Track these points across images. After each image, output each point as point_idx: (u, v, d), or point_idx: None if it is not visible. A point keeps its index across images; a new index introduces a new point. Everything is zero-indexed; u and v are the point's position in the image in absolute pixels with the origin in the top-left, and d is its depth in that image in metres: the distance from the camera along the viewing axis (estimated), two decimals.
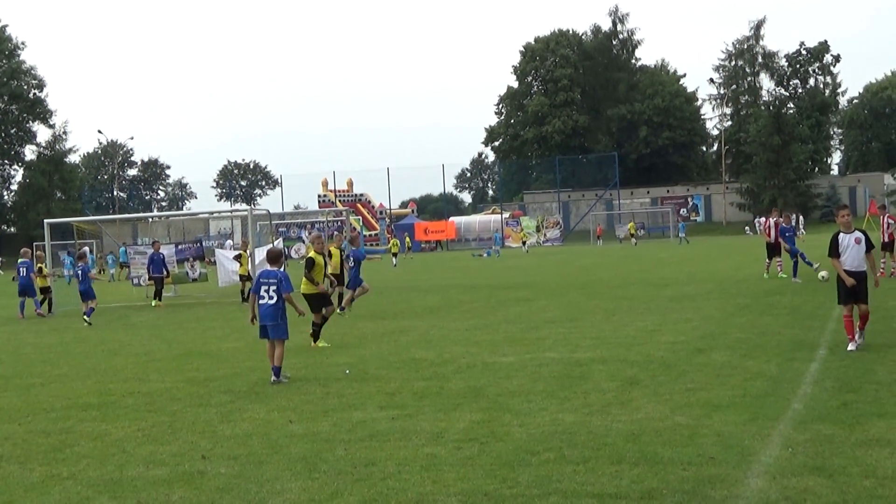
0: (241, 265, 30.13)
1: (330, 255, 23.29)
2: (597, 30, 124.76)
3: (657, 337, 15.32)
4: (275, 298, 12.56)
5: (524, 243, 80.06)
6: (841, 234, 12.74)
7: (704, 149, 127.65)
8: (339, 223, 72.17)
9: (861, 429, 8.22)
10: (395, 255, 59.79)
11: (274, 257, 13.06)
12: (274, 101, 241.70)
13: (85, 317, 23.94)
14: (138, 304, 30.64)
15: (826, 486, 6.62)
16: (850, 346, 12.42)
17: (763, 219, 27.08)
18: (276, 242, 33.90)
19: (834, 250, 12.74)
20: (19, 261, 28.38)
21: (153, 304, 29.80)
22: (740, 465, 7.23)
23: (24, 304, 27.67)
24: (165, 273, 31.22)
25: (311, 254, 16.69)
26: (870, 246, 12.72)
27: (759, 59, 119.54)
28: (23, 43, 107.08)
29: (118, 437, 9.53)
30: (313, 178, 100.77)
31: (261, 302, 12.64)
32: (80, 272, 25.40)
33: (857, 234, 12.68)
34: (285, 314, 12.77)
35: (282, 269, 13.10)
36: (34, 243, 46.91)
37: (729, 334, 15.17)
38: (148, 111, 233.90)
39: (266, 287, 12.59)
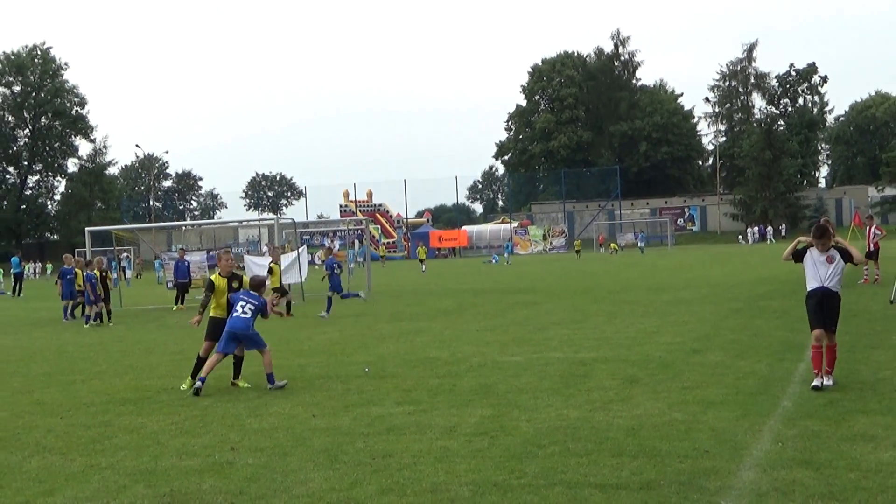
0: (273, 277, 29.20)
1: (271, 272, 23.88)
2: (600, 52, 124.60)
3: (656, 338, 15.27)
4: (249, 314, 11.91)
5: (578, 252, 75.22)
6: (813, 248, 10.36)
7: (700, 163, 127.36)
8: (359, 231, 72.36)
9: (846, 425, 8.19)
10: (422, 261, 59.89)
11: (256, 286, 12.38)
12: (299, 117, 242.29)
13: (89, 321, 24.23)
14: (171, 306, 30.69)
15: (813, 478, 6.60)
16: (816, 382, 9.94)
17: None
18: (300, 250, 33.83)
19: (796, 256, 10.56)
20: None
21: (174, 308, 29.60)
22: (733, 459, 7.21)
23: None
24: (188, 279, 31.31)
25: (213, 276, 12.95)
26: (847, 258, 10.35)
27: (752, 80, 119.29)
28: (66, 64, 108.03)
29: (153, 429, 9.55)
30: (335, 190, 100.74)
31: (234, 314, 11.94)
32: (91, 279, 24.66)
33: (833, 252, 10.24)
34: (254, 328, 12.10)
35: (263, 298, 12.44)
36: (76, 249, 46.95)
37: (723, 336, 15.12)
38: (182, 126, 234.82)
39: (244, 304, 11.96)
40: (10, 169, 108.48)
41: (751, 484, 6.53)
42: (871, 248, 25.46)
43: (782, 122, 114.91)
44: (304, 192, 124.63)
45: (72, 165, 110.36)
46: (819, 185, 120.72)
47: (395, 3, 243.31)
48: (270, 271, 27.86)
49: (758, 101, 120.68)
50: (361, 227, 70.98)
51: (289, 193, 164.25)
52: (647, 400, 9.77)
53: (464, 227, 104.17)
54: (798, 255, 10.53)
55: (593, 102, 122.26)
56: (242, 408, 10.54)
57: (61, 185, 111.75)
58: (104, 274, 25.52)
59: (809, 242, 10.40)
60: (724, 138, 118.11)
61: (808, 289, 10.44)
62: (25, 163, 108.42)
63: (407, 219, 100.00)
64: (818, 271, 10.29)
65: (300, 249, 33.76)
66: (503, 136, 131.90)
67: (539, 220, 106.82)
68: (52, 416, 10.68)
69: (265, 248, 45.16)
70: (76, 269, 26.98)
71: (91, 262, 26.48)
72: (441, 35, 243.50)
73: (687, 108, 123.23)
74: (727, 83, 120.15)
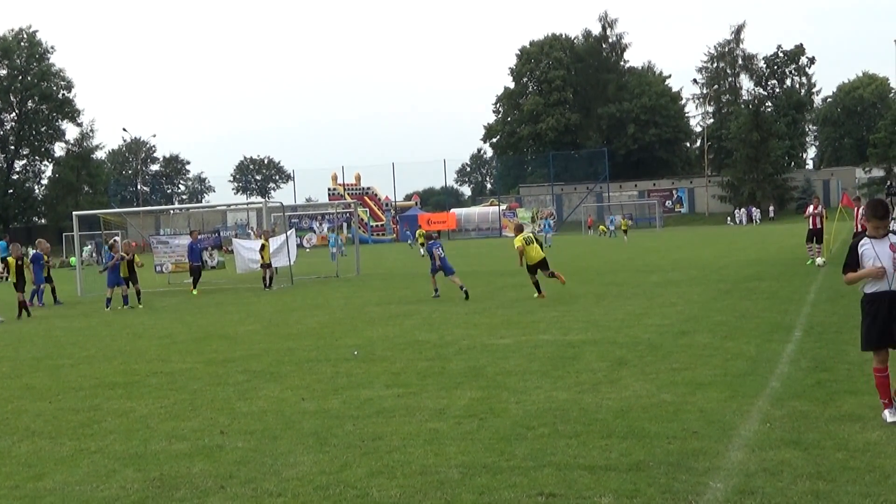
0: (265, 255, 29.52)
1: (263, 248, 24.02)
2: (588, 34, 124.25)
3: (644, 320, 15.30)
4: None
5: (625, 232, 67.07)
6: (867, 239, 7.71)
7: (688, 145, 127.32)
8: (347, 214, 72.23)
9: (834, 405, 8.21)
10: (423, 245, 58.65)
11: None
12: (287, 101, 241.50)
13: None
14: (160, 290, 30.62)
15: (801, 458, 6.62)
16: (888, 416, 7.46)
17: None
18: (289, 233, 33.78)
19: (852, 263, 7.73)
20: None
21: (194, 293, 28.30)
22: (721, 439, 7.23)
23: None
24: (201, 262, 30.47)
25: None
26: None
27: (740, 61, 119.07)
28: (52, 47, 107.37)
29: (142, 413, 9.53)
30: (323, 173, 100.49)
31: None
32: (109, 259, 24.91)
33: (894, 239, 7.57)
34: None
35: None
36: (63, 234, 46.76)
37: (711, 317, 15.15)
38: (169, 110, 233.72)
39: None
40: None
41: (739, 464, 6.55)
42: (860, 229, 25.65)
43: (770, 104, 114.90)
44: (292, 175, 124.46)
45: (59, 149, 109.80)
46: (806, 166, 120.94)
47: None
48: (262, 248, 28.91)
49: (745, 83, 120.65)
50: (350, 210, 70.86)
51: (277, 177, 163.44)
52: (636, 382, 9.79)
53: (452, 210, 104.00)
54: (854, 262, 7.73)
55: (581, 85, 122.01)
56: (231, 391, 10.53)
57: (48, 170, 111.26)
58: (132, 258, 25.04)
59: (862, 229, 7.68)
60: (711, 120, 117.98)
61: (868, 291, 7.71)
62: (12, 147, 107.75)
63: (395, 202, 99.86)
64: (886, 268, 7.50)
65: (288, 233, 33.75)
66: (491, 118, 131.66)
67: (527, 202, 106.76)
68: (40, 400, 10.67)
69: (249, 232, 45.19)
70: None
71: (114, 245, 26.33)
72: (429, 17, 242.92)
73: (675, 89, 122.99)
74: (715, 65, 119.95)
